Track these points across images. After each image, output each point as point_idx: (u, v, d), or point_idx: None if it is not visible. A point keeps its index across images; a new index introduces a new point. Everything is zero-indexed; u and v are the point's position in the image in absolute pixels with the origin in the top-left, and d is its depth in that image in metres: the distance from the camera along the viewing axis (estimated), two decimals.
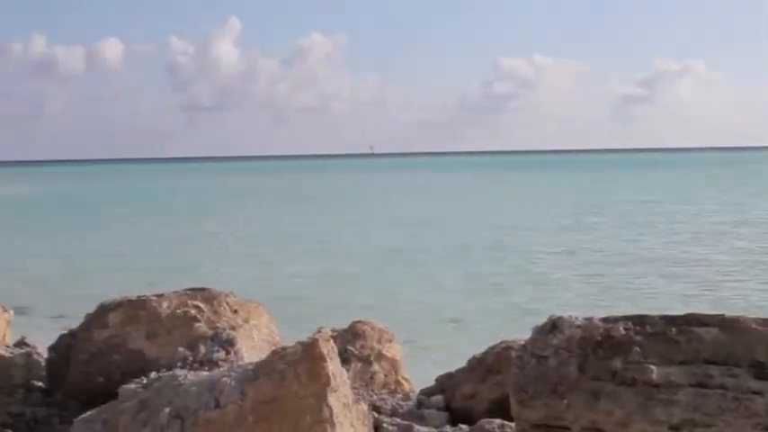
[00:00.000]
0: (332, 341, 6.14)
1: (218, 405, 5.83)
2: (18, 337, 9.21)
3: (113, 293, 18.84)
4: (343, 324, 8.62)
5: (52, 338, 9.21)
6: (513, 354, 7.42)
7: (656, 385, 5.45)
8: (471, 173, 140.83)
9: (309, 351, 5.86)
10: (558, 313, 6.77)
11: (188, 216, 50.89)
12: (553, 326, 6.69)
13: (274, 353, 5.99)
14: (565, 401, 6.38)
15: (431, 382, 8.36)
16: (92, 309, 17.60)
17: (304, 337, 6.46)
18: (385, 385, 8.02)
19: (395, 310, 18.56)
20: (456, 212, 51.25)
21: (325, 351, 5.90)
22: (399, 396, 7.79)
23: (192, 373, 6.42)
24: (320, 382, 5.82)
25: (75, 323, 15.71)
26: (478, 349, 8.34)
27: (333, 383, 5.87)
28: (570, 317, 6.73)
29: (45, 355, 8.19)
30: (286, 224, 44.47)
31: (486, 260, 29.14)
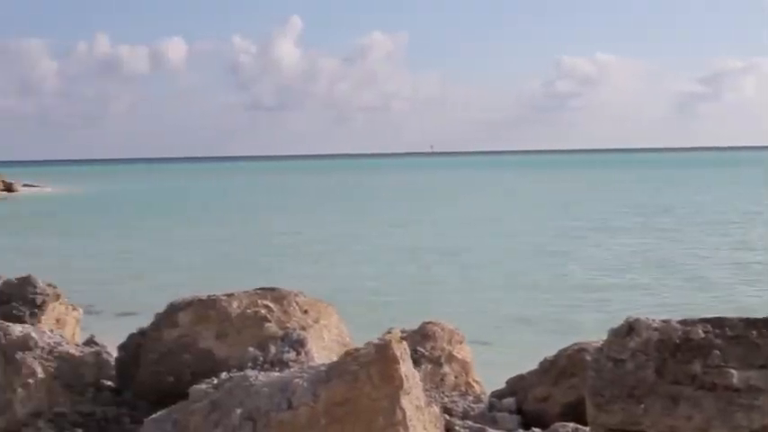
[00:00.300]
0: (404, 343, 6.07)
1: (290, 406, 5.79)
2: (86, 336, 9.25)
3: (177, 292, 19.00)
4: (408, 324, 8.56)
5: (118, 336, 9.25)
6: (588, 357, 7.31)
7: (737, 390, 5.31)
8: (532, 172, 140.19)
9: (382, 352, 5.80)
10: (635, 315, 6.66)
11: (251, 215, 51.14)
12: (630, 328, 6.57)
13: (347, 354, 5.94)
14: (642, 406, 6.26)
15: (499, 384, 8.28)
16: (157, 307, 17.70)
17: (371, 338, 6.40)
18: (455, 387, 7.94)
19: (459, 310, 18.47)
20: (519, 212, 51.01)
21: (398, 353, 5.84)
22: (471, 398, 7.70)
23: (263, 373, 6.39)
24: (393, 385, 5.76)
25: (139, 321, 15.89)
26: (547, 350, 8.25)
27: (406, 386, 5.81)
28: (647, 319, 6.60)
29: (113, 353, 8.21)
30: (347, 223, 44.50)
31: (550, 260, 28.93)
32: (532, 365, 8.13)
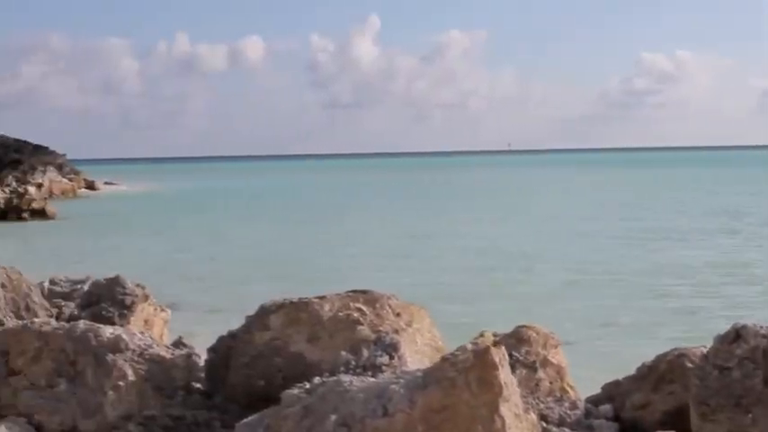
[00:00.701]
0: (503, 348, 5.94)
1: (386, 413, 5.69)
2: (173, 337, 9.26)
3: (260, 291, 19.01)
4: (499, 327, 8.42)
5: (203, 336, 9.25)
6: (689, 363, 7.12)
7: None
8: (610, 170, 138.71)
9: (481, 358, 5.68)
10: (742, 321, 6.45)
11: (330, 213, 51.24)
12: (737, 335, 6.37)
13: (444, 359, 5.83)
14: (750, 416, 6.08)
15: (594, 390, 8.10)
16: (241, 307, 17.70)
17: (461, 342, 6.27)
18: (550, 393, 7.78)
19: (547, 314, 18.26)
20: (598, 211, 50.46)
21: (496, 358, 5.71)
22: (566, 404, 7.53)
23: (357, 378, 6.30)
24: (492, 392, 5.64)
25: (224, 321, 15.95)
26: (639, 355, 8.06)
27: (505, 392, 5.68)
28: (755, 325, 6.40)
29: (201, 355, 8.19)
30: (426, 222, 44.36)
31: (636, 263, 28.50)
32: (622, 370, 7.96)
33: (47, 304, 9.39)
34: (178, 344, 8.31)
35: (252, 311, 7.92)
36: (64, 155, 73.95)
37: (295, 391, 6.39)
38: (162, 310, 10.01)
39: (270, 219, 47.53)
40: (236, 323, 8.64)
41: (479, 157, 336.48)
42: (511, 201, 63.15)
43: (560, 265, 27.91)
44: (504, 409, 5.65)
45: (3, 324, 8.55)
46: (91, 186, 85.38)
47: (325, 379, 6.44)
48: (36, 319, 8.41)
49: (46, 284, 10.16)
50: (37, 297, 9.29)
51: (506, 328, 8.27)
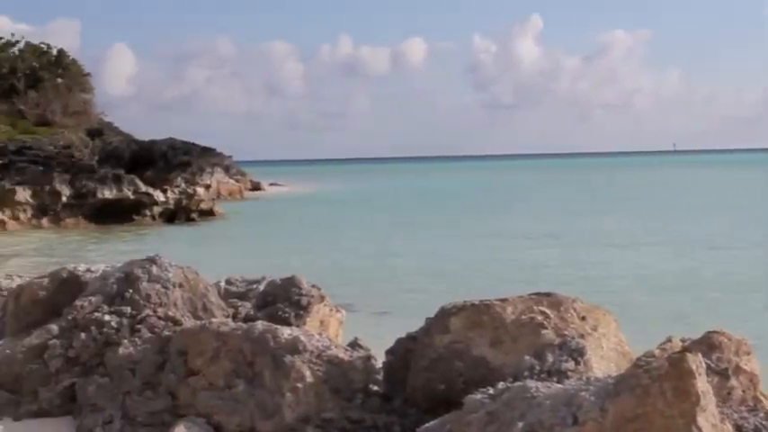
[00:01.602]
0: (699, 355, 5.68)
1: (575, 421, 5.52)
2: (348, 338, 9.23)
3: (431, 294, 18.94)
4: (676, 331, 8.10)
5: (375, 338, 9.19)
6: None
7: None
8: None
9: (677, 366, 5.44)
10: None
11: (500, 213, 50.95)
12: None
13: (636, 366, 5.60)
14: None
15: None
16: (411, 306, 17.65)
17: (645, 347, 6.03)
18: (743, 402, 7.43)
19: (737, 314, 17.65)
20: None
21: (693, 366, 5.46)
22: (761, 415, 7.18)
23: (543, 384, 6.13)
24: (689, 401, 5.39)
25: (395, 321, 15.95)
26: None
27: (702, 402, 5.43)
28: None
29: (376, 356, 8.13)
30: (596, 222, 43.63)
31: None
32: None
33: (223, 304, 9.51)
34: (354, 345, 8.29)
35: (423, 312, 7.83)
36: (230, 156, 75.54)
37: (478, 396, 6.27)
38: (337, 310, 10.02)
39: (435, 219, 47.47)
40: (407, 324, 8.56)
41: (643, 158, 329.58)
42: (678, 200, 61.72)
43: (734, 268, 26.96)
44: (701, 420, 5.41)
45: (181, 324, 8.69)
46: (257, 187, 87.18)
47: (509, 384, 6.29)
48: (214, 320, 8.52)
49: (222, 284, 10.29)
50: (214, 297, 9.42)
51: (695, 332, 7.97)
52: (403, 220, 47.05)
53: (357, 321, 13.31)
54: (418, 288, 21.28)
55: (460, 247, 33.05)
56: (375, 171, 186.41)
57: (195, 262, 11.91)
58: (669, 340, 7.29)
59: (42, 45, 49.84)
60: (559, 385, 6.12)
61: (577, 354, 6.68)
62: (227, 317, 9.18)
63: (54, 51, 49.82)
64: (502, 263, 27.64)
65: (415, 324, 7.85)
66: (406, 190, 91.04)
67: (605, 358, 6.93)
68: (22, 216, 39.64)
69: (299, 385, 7.47)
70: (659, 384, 5.44)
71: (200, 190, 53.15)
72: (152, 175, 52.44)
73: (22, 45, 48.73)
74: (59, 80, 49.19)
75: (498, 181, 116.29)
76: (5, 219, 38.53)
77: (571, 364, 6.60)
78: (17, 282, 11.34)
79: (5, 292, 10.89)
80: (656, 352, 5.88)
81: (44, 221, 40.07)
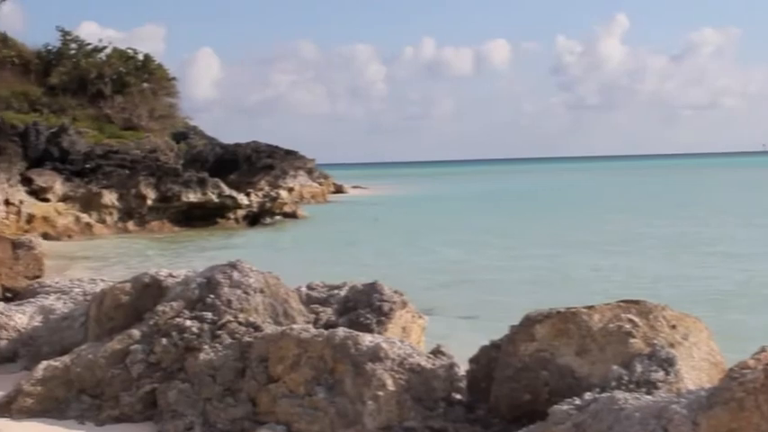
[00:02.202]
0: None
1: None
2: (431, 345, 9.10)
3: (515, 299, 18.73)
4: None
5: (457, 345, 9.04)
6: None
7: None
8: None
9: None
10: None
11: (583, 218, 50.34)
12: None
13: (730, 378, 5.41)
14: None
15: None
16: (493, 312, 17.44)
17: (738, 357, 5.80)
18: None
19: None
20: None
21: None
22: None
23: (631, 395, 5.96)
24: None
25: (478, 327, 15.78)
26: None
27: None
28: None
29: (459, 364, 8.00)
30: (686, 226, 42.87)
31: None
32: None
33: (305, 310, 9.47)
34: (437, 352, 8.16)
35: (507, 319, 7.69)
36: (313, 159, 75.97)
37: (564, 406, 6.12)
38: (419, 316, 9.92)
39: (520, 222, 47.10)
40: (491, 330, 8.42)
41: (732, 159, 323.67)
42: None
43: None
44: None
45: (261, 330, 8.65)
46: (339, 190, 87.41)
47: (596, 395, 6.13)
48: (295, 326, 8.48)
49: (304, 289, 10.26)
50: (295, 303, 9.38)
51: None
52: (486, 223, 46.73)
53: (440, 327, 13.19)
54: (502, 294, 21.04)
55: (546, 251, 32.62)
56: (457, 174, 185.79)
57: (277, 266, 11.89)
58: (764, 350, 7.05)
59: (129, 50, 50.46)
60: (649, 397, 5.95)
61: (667, 364, 6.49)
62: (309, 323, 9.13)
63: (140, 56, 50.42)
64: (587, 269, 27.23)
65: (498, 330, 7.71)
66: (490, 192, 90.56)
67: (696, 369, 6.72)
68: (108, 219, 40.18)
69: (381, 393, 7.38)
70: (754, 398, 5.25)
71: (284, 193, 53.45)
72: (236, 178, 52.91)
73: (109, 50, 49.42)
74: (145, 85, 49.76)
75: (583, 183, 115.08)
76: (92, 222, 39.09)
77: (661, 375, 6.42)
78: (101, 286, 11.44)
79: (89, 297, 10.99)
80: (751, 363, 5.66)
81: (129, 225, 40.58)
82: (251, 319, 8.81)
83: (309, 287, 10.42)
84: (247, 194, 47.40)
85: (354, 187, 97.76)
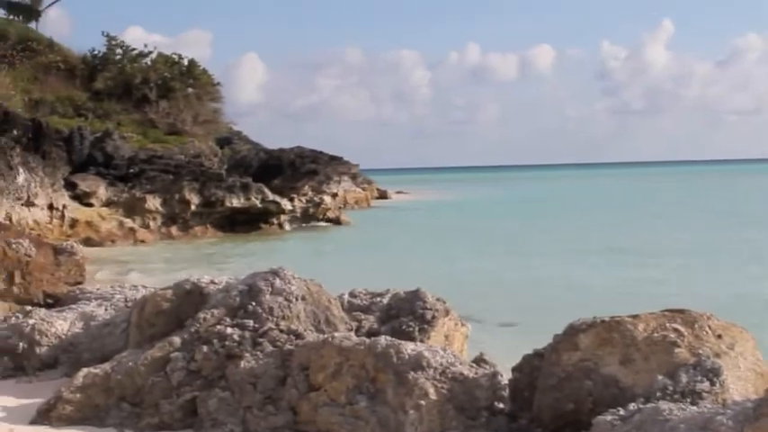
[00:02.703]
0: None
1: None
2: (473, 353, 9.05)
3: (558, 307, 18.61)
4: None
5: (498, 353, 8.98)
6: None
7: None
8: None
9: None
10: None
11: (629, 224, 49.96)
12: None
13: None
14: None
15: None
16: (536, 320, 17.33)
17: None
18: None
19: None
20: None
21: None
22: None
23: (676, 406, 5.90)
24: None
25: (518, 336, 15.71)
26: None
27: None
28: None
29: (502, 373, 7.96)
30: (734, 234, 42.36)
31: None
32: None
33: (346, 318, 9.45)
34: (480, 361, 8.11)
35: (550, 327, 7.63)
36: (357, 165, 76.01)
37: (608, 417, 6.07)
38: (462, 324, 9.89)
39: (564, 229, 46.81)
40: (534, 339, 8.36)
41: None
42: None
43: None
44: None
45: (303, 338, 8.64)
46: (383, 196, 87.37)
47: (641, 405, 6.07)
48: (336, 334, 8.46)
49: (346, 297, 10.25)
50: (337, 310, 9.36)
51: None
52: (526, 229, 46.57)
53: (481, 335, 13.13)
54: (546, 302, 20.92)
55: (589, 259, 32.43)
56: (501, 179, 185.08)
57: (320, 272, 11.90)
58: None
59: (174, 56, 50.78)
60: (694, 408, 5.89)
61: (713, 374, 6.41)
62: (351, 331, 9.12)
63: (185, 62, 50.71)
64: (629, 277, 27.03)
65: (541, 339, 7.66)
66: (531, 198, 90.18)
67: (742, 379, 6.64)
68: (151, 224, 40.39)
69: (423, 402, 7.36)
70: None
71: (327, 198, 53.52)
72: (280, 183, 53.09)
73: (154, 56, 49.77)
74: (190, 90, 50.06)
75: (630, 188, 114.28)
76: (135, 227, 39.30)
77: (706, 385, 6.34)
78: (142, 292, 11.49)
79: (130, 303, 11.04)
80: None
81: (173, 230, 40.75)
82: (292, 326, 8.81)
83: (352, 294, 10.40)
84: (291, 200, 47.57)
85: (398, 192, 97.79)
